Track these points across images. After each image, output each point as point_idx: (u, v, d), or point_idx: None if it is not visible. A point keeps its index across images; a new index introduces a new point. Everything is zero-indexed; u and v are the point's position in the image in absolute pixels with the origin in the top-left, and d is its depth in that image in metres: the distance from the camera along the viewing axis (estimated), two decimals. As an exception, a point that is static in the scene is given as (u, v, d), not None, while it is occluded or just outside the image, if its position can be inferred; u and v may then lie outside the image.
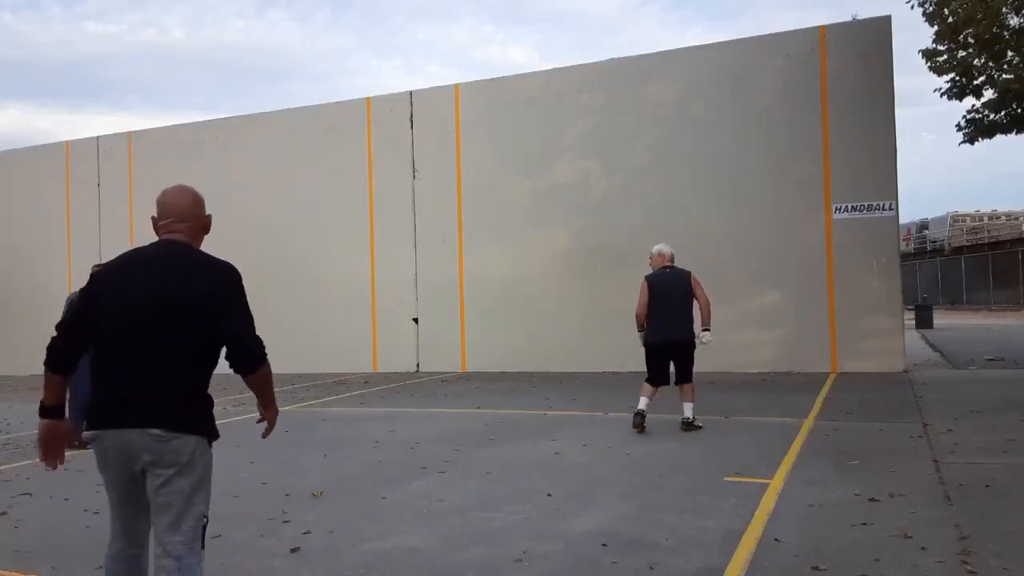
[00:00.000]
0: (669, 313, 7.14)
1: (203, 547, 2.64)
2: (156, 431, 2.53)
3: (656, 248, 7.60)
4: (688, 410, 7.20)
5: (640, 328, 7.35)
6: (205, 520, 2.68)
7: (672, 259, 7.47)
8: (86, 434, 2.62)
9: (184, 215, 2.83)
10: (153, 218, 2.85)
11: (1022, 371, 11.22)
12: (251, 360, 2.77)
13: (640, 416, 7.08)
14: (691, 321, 7.24)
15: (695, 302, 7.27)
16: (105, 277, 2.72)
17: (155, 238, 2.79)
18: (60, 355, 2.66)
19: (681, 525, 4.33)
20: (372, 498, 5.20)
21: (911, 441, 6.42)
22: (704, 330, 7.24)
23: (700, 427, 7.18)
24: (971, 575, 3.47)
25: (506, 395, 10.52)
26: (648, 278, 7.37)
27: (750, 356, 12.26)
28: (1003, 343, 15.90)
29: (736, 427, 7.42)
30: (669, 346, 7.23)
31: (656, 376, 7.30)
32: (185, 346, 2.64)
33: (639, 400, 7.18)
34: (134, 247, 2.87)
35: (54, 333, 2.69)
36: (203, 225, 2.94)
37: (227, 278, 2.71)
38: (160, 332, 2.59)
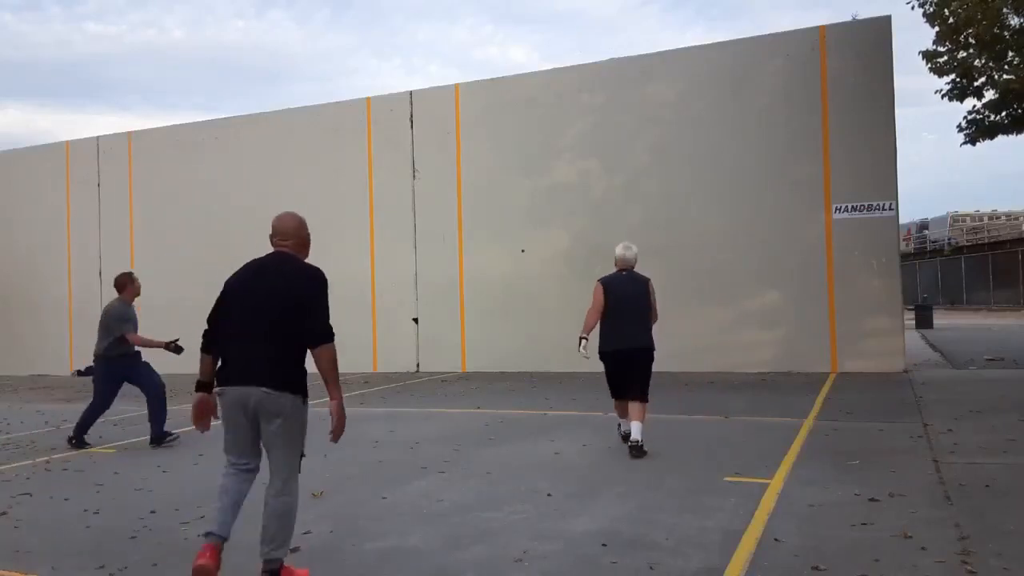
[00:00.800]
0: (626, 322, 6.43)
1: (299, 471, 3.76)
2: (265, 389, 3.56)
3: (619, 250, 6.83)
4: (636, 431, 6.18)
5: (586, 332, 6.43)
6: (302, 455, 3.83)
7: (630, 263, 6.76)
8: (216, 389, 3.69)
9: (288, 235, 3.98)
10: (270, 235, 3.97)
11: (1022, 371, 11.22)
12: (316, 337, 3.66)
13: (627, 438, 6.40)
14: (649, 329, 6.55)
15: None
16: (234, 279, 3.86)
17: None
18: (206, 340, 3.82)
19: (681, 525, 4.33)
20: (372, 498, 5.20)
21: (911, 441, 6.42)
22: None
23: (646, 453, 6.16)
24: (971, 575, 3.47)
25: (506, 395, 10.52)
26: (603, 281, 6.63)
27: (750, 356, 12.27)
28: (1003, 343, 15.90)
29: (736, 427, 7.42)
30: (624, 356, 6.41)
31: (618, 389, 6.55)
32: (287, 328, 3.63)
33: (621, 425, 6.60)
34: (256, 257, 3.98)
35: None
36: (304, 241, 4.04)
37: (316, 280, 3.81)
38: (270, 317, 3.62)
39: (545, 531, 4.33)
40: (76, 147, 17.82)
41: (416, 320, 14.47)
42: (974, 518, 4.27)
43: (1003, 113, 13.41)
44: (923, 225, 56.55)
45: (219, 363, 3.75)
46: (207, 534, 3.65)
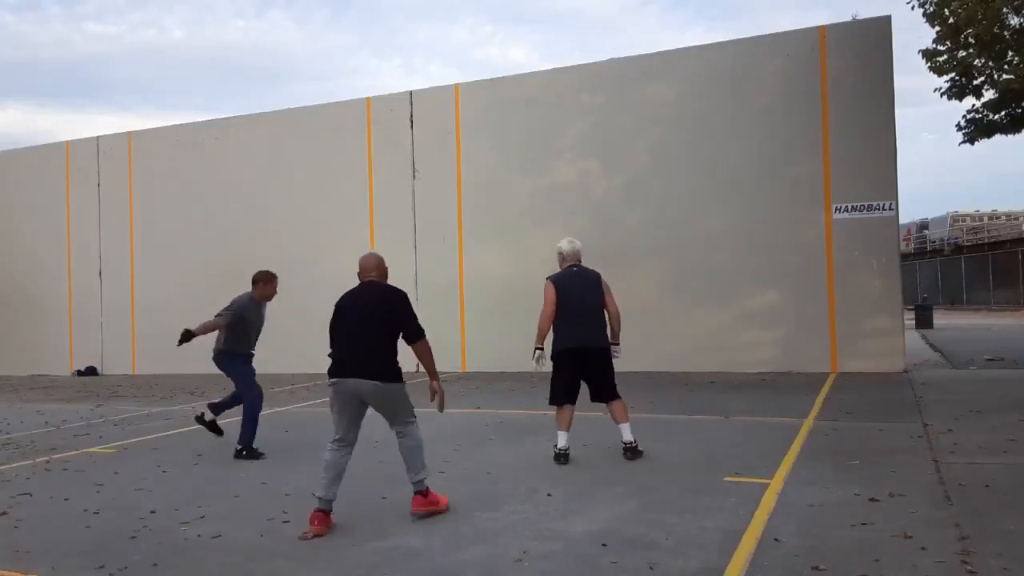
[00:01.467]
0: (580, 318, 6.03)
1: (415, 418, 4.99)
2: (375, 382, 4.70)
3: (561, 245, 6.41)
4: (627, 432, 6.06)
5: (540, 342, 6.12)
6: (413, 418, 4.99)
7: (578, 257, 6.33)
8: (331, 381, 4.75)
9: (371, 269, 5.09)
10: (358, 272, 5.11)
11: (1022, 371, 11.21)
12: (413, 336, 4.96)
13: (563, 456, 6.01)
14: (604, 327, 6.15)
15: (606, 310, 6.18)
16: (345, 299, 5.00)
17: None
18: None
19: (681, 525, 4.33)
20: (372, 498, 5.20)
21: (911, 441, 6.42)
22: (614, 344, 6.20)
23: (642, 452, 6.08)
24: (971, 575, 3.47)
25: (506, 395, 10.51)
26: (552, 279, 6.23)
27: (750, 356, 12.27)
28: (1003, 343, 15.90)
29: (736, 427, 7.42)
30: (579, 355, 6.02)
31: (562, 392, 6.06)
32: (385, 332, 4.82)
33: (557, 437, 6.07)
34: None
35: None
36: (384, 272, 5.14)
37: (401, 296, 4.97)
38: (373, 326, 4.79)
39: (545, 531, 4.33)
40: (76, 147, 17.81)
41: (416, 320, 14.48)
42: (974, 518, 4.27)
43: (1002, 112, 13.41)
44: (923, 225, 56.59)
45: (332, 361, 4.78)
46: (319, 499, 4.57)
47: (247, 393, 7.14)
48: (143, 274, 16.98)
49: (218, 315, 7.24)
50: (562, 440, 6.07)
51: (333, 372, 4.75)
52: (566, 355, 6.06)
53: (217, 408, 7.70)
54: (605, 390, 6.13)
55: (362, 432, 7.83)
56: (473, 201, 14.24)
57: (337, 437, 4.76)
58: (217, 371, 7.38)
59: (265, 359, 15.24)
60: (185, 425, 8.91)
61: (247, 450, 6.79)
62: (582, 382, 6.16)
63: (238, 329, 7.32)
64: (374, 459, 6.51)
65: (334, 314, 4.95)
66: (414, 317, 4.95)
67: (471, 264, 14.23)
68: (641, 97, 13.26)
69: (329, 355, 4.85)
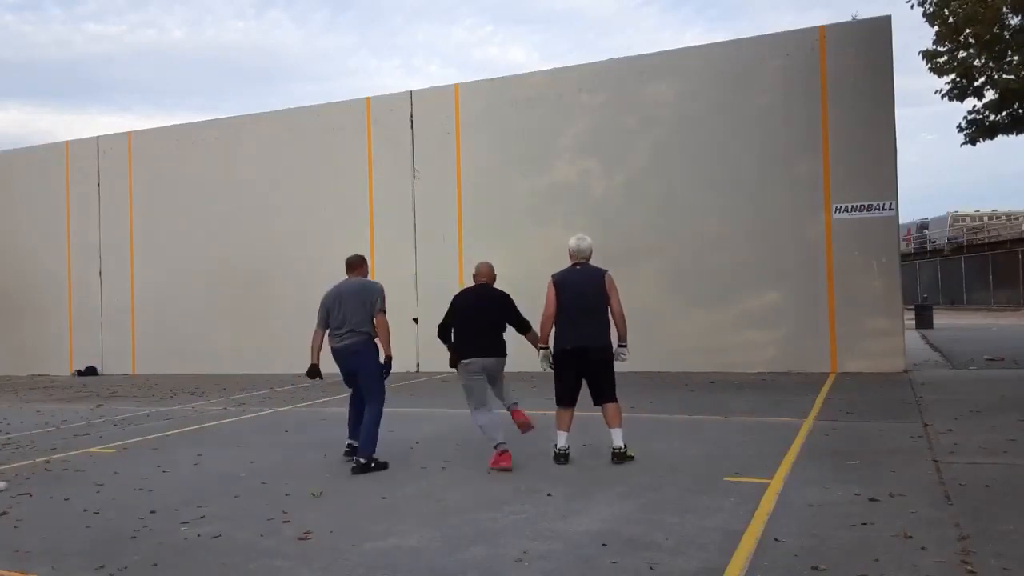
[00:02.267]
0: (582, 317, 5.98)
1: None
2: (497, 358, 6.30)
3: (569, 242, 6.36)
4: (617, 437, 5.96)
5: (543, 342, 6.13)
6: (514, 397, 6.50)
7: (584, 255, 6.25)
8: (464, 361, 6.26)
9: (484, 275, 6.57)
10: (473, 275, 6.60)
11: (1022, 371, 11.21)
12: (521, 326, 6.42)
13: (563, 457, 5.99)
14: (607, 326, 6.04)
15: (609, 308, 6.11)
16: (460, 297, 6.48)
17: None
18: (444, 334, 6.55)
19: (681, 525, 4.33)
20: (372, 498, 5.20)
21: (911, 441, 6.42)
22: (620, 345, 6.11)
23: (632, 457, 5.98)
24: (971, 575, 3.47)
25: (506, 395, 10.51)
26: (555, 277, 6.21)
27: (750, 356, 12.27)
28: (1003, 343, 15.90)
29: (736, 427, 7.42)
30: (580, 355, 5.98)
31: (567, 393, 6.05)
32: (500, 321, 6.32)
33: (557, 437, 6.04)
34: (471, 287, 6.58)
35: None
36: (494, 277, 6.58)
37: (508, 296, 6.45)
38: (489, 316, 6.31)
39: (545, 531, 4.33)
40: (76, 147, 17.82)
41: (416, 320, 14.46)
42: (974, 518, 4.27)
43: (1003, 113, 13.41)
44: (923, 225, 56.57)
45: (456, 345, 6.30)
46: (497, 444, 6.00)
47: (379, 398, 6.37)
48: (143, 274, 16.98)
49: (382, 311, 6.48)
50: (562, 440, 6.06)
51: (467, 355, 6.19)
52: (565, 355, 6.04)
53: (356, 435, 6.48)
54: (601, 391, 6.04)
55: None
56: (473, 201, 14.24)
57: (478, 404, 6.21)
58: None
59: (265, 359, 15.35)
60: (185, 425, 8.91)
61: (374, 462, 6.08)
62: (584, 382, 6.12)
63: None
64: (374, 459, 6.51)
65: (452, 310, 6.38)
66: (519, 312, 6.40)
67: (471, 264, 14.20)
68: (641, 97, 13.27)
69: (449, 345, 6.41)
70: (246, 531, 4.55)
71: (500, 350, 6.31)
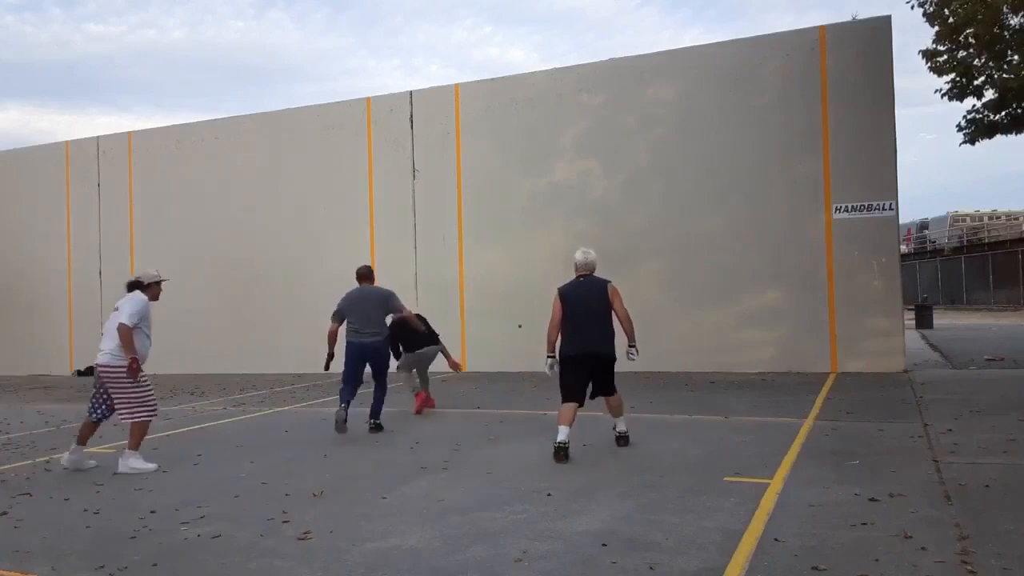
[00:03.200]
0: (586, 326, 6.35)
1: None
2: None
3: (575, 256, 6.69)
4: (622, 424, 6.60)
5: (551, 350, 6.45)
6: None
7: (589, 267, 6.59)
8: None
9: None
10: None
11: (1022, 371, 11.22)
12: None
13: (563, 451, 6.08)
14: (612, 335, 6.43)
15: (615, 316, 6.47)
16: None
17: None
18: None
19: (681, 525, 4.33)
20: (372, 498, 5.20)
21: (911, 441, 6.42)
22: (630, 347, 6.45)
23: (629, 442, 6.53)
24: (971, 575, 3.47)
25: (506, 395, 10.51)
26: (560, 289, 6.55)
27: (750, 356, 12.27)
28: (1003, 343, 15.90)
29: (736, 427, 7.42)
30: (589, 360, 6.38)
31: (572, 391, 6.33)
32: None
33: (558, 431, 6.16)
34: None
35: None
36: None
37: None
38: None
39: (545, 531, 4.33)
40: (76, 147, 17.82)
41: (416, 320, 14.48)
42: (974, 518, 4.27)
43: (1003, 112, 13.41)
44: (923, 225, 56.57)
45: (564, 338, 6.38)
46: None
47: (386, 380, 8.12)
48: (143, 274, 16.94)
49: (402, 310, 8.33)
50: (562, 434, 6.13)
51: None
52: (571, 361, 6.39)
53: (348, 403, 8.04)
54: (605, 387, 6.51)
55: (362, 432, 7.87)
56: (473, 201, 14.24)
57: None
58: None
59: (265, 359, 15.34)
60: (185, 425, 8.91)
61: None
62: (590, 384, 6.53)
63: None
64: (374, 459, 6.52)
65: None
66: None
67: (471, 264, 14.23)
68: (641, 97, 13.26)
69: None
70: (246, 531, 4.55)
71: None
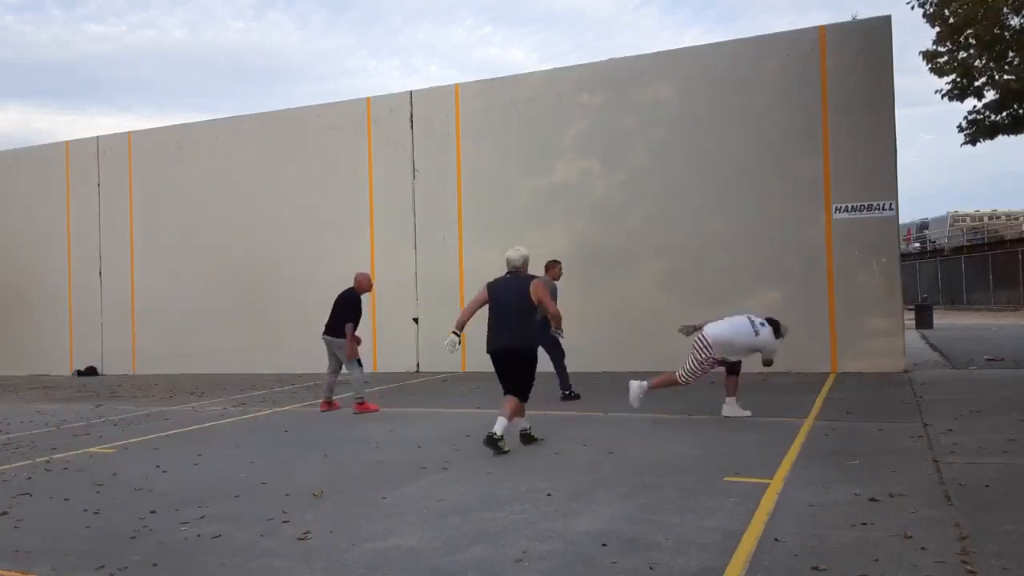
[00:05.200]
0: (503, 323, 6.56)
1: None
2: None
3: (507, 253, 6.86)
4: (499, 426, 6.40)
5: (457, 327, 6.82)
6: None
7: (517, 265, 6.74)
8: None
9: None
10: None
11: (1022, 371, 11.21)
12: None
13: (497, 441, 6.30)
14: (528, 334, 6.60)
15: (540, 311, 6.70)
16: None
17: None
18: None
19: (681, 525, 4.33)
20: (372, 498, 5.20)
21: (911, 441, 6.42)
22: (557, 329, 6.93)
23: (507, 452, 6.37)
24: (971, 575, 3.47)
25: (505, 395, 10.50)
26: (488, 284, 6.83)
27: (750, 356, 12.24)
28: (1003, 343, 15.90)
29: (736, 427, 7.42)
30: (502, 355, 6.59)
31: (504, 386, 6.71)
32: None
33: (495, 421, 6.39)
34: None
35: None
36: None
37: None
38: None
39: (545, 531, 4.32)
40: (76, 147, 17.82)
41: (416, 320, 14.48)
42: (974, 518, 4.27)
43: (1004, 113, 13.41)
44: (923, 225, 56.59)
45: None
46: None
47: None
48: (143, 274, 16.98)
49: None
50: (497, 426, 6.38)
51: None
52: (491, 357, 6.69)
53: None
54: (515, 387, 6.62)
55: (362, 432, 7.87)
56: (473, 201, 14.24)
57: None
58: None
59: (265, 359, 15.34)
60: (185, 425, 8.91)
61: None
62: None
63: None
64: (374, 459, 6.52)
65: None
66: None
67: (471, 264, 14.23)
68: (641, 97, 13.26)
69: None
70: (246, 531, 4.55)
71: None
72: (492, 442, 6.32)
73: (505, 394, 6.67)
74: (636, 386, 7.95)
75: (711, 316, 12.85)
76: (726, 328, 7.92)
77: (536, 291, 6.59)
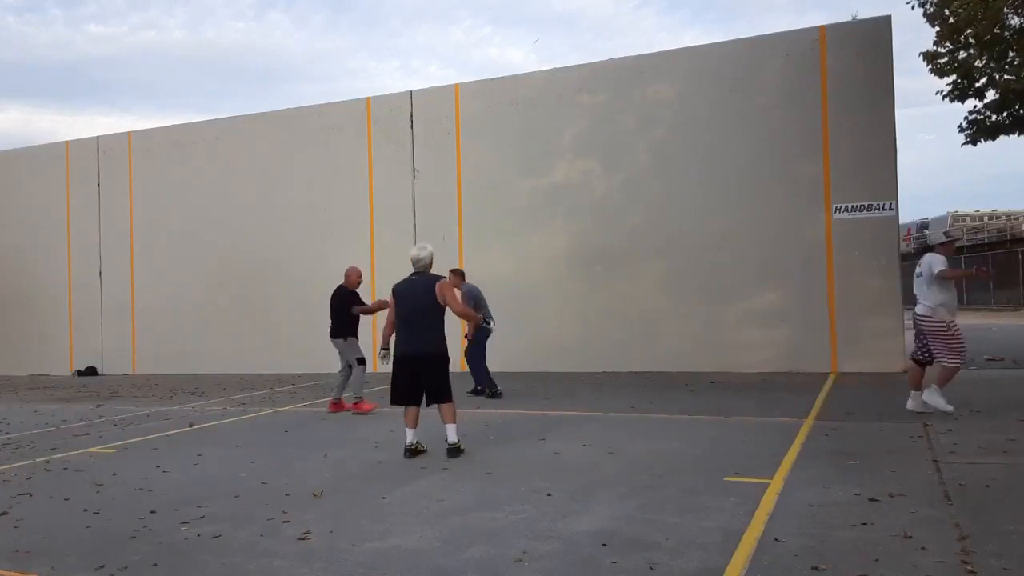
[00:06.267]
0: (413, 325, 6.40)
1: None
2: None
3: (412, 251, 6.73)
4: (451, 433, 6.39)
5: (383, 344, 6.68)
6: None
7: (422, 264, 6.62)
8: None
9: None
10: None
11: (1022, 371, 11.21)
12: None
13: (410, 451, 6.40)
14: (438, 332, 6.46)
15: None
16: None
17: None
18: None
19: (681, 525, 4.33)
20: (372, 498, 5.20)
21: (911, 441, 6.42)
22: (484, 323, 7.11)
23: (463, 451, 6.41)
24: (971, 575, 3.47)
25: (506, 395, 10.50)
26: (394, 287, 6.62)
27: (750, 356, 12.26)
28: (1003, 343, 15.90)
29: (736, 427, 7.42)
30: (411, 361, 6.39)
31: (400, 393, 6.45)
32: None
33: (406, 434, 6.43)
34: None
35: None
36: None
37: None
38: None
39: (545, 531, 4.32)
40: (76, 147, 17.81)
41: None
42: (974, 518, 4.27)
43: (1004, 113, 13.40)
44: (923, 225, 56.56)
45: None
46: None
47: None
48: (143, 274, 16.97)
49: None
50: (409, 436, 6.44)
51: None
52: (399, 361, 6.48)
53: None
54: (438, 393, 6.45)
55: (362, 432, 7.87)
56: (473, 201, 14.23)
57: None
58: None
59: (265, 359, 15.33)
60: (185, 425, 8.91)
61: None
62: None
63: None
64: (374, 459, 6.52)
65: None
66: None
67: (471, 264, 14.22)
68: (641, 97, 13.26)
69: None
70: (246, 531, 4.55)
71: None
72: (455, 451, 6.37)
73: (411, 404, 6.41)
74: (927, 393, 7.58)
75: (711, 316, 12.88)
76: (923, 295, 7.85)
77: (442, 290, 6.44)
